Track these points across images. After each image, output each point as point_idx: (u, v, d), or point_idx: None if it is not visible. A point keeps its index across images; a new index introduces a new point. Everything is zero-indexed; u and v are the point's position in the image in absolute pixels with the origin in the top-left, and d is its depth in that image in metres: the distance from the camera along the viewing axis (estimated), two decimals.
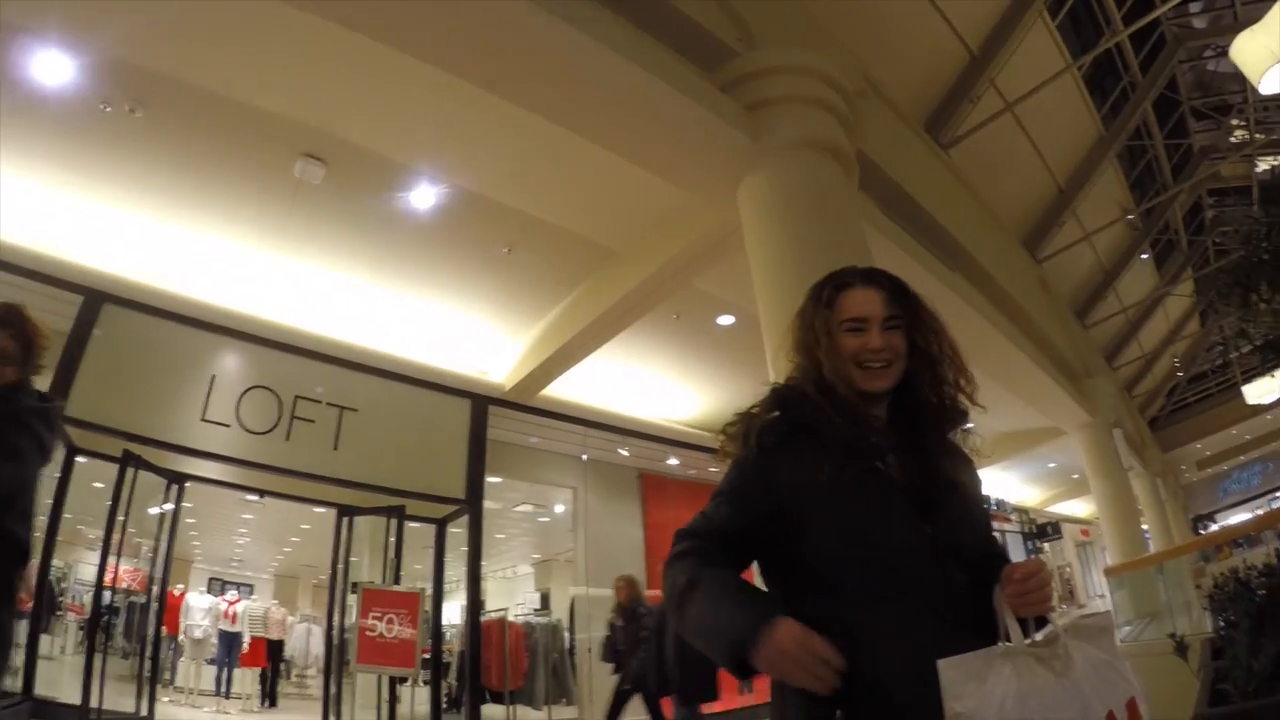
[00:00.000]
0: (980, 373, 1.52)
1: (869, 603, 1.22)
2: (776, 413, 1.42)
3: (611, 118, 4.85)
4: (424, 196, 6.15)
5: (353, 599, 7.76)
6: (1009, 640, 1.19)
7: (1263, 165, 15.24)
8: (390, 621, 7.12)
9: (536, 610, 10.81)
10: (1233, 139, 14.82)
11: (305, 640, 11.35)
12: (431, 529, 8.38)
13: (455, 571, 8.48)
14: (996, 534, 1.45)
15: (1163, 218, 15.31)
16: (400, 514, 8.01)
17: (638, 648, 6.30)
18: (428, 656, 7.66)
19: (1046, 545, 18.70)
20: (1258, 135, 14.29)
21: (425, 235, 6.63)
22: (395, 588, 7.61)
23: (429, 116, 5.36)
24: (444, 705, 7.93)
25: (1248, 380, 16.38)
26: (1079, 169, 11.90)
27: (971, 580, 1.28)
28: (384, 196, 6.12)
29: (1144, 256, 15.42)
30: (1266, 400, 15.92)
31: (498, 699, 8.14)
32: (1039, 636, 1.21)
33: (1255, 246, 4.51)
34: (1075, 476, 15.23)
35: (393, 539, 8.05)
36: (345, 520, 8.22)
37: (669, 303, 7.43)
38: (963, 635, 1.18)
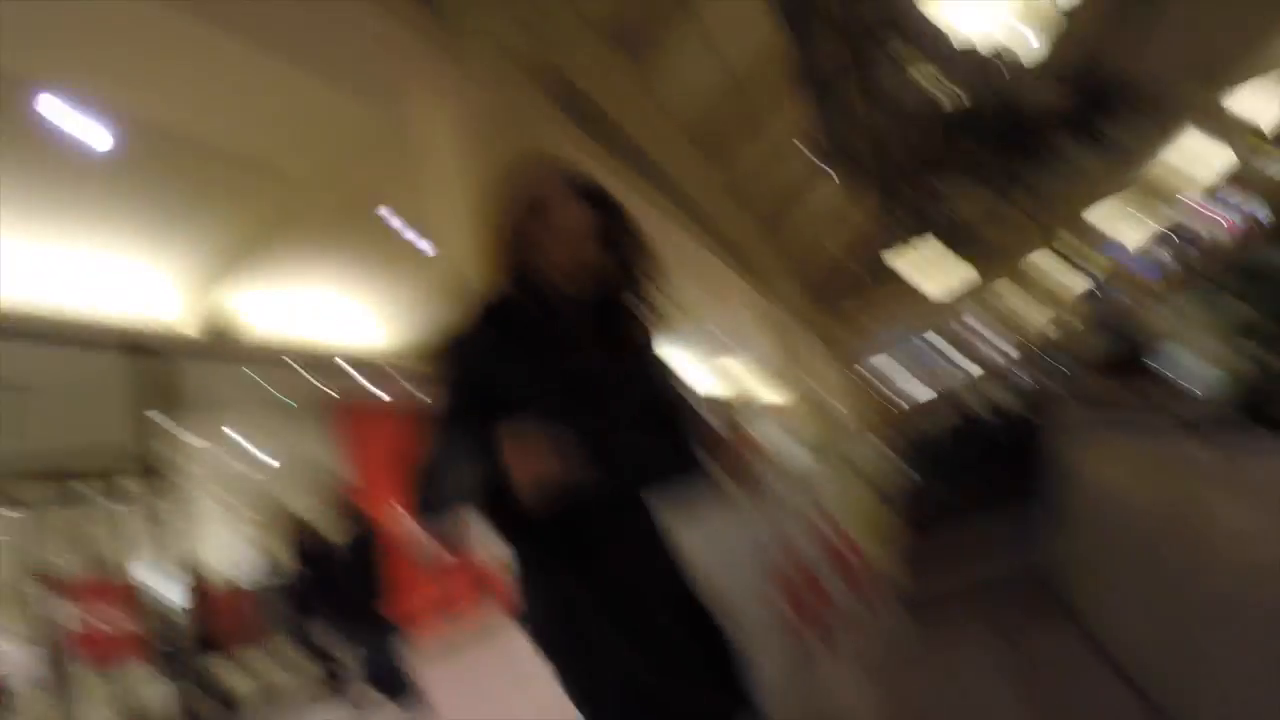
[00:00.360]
0: (673, 274, 1.63)
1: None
2: (479, 323, 1.47)
3: (269, 12, 4.43)
4: (64, 122, 5.24)
5: (58, 600, 6.80)
6: (724, 492, 1.41)
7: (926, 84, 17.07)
8: (104, 615, 6.37)
9: (264, 568, 10.05)
10: (905, 64, 16.35)
11: (15, 657, 9.75)
12: (124, 506, 7.32)
13: (168, 546, 7.57)
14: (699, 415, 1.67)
15: (842, 130, 16.78)
16: (92, 493, 7.14)
17: (319, 588, 5.33)
18: (156, 641, 7.00)
19: (745, 420, 20.52)
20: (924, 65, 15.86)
21: (82, 174, 5.64)
22: (102, 577, 6.86)
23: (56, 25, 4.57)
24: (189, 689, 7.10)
25: (906, 257, 18.69)
26: (772, 85, 12.50)
27: (666, 454, 1.53)
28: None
29: (826, 167, 16.94)
30: (925, 283, 18.49)
31: (236, 661, 7.67)
32: (747, 490, 1.46)
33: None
34: (768, 356, 16.69)
35: (88, 525, 7.16)
36: (24, 515, 7.07)
37: (353, 222, 6.98)
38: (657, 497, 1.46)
